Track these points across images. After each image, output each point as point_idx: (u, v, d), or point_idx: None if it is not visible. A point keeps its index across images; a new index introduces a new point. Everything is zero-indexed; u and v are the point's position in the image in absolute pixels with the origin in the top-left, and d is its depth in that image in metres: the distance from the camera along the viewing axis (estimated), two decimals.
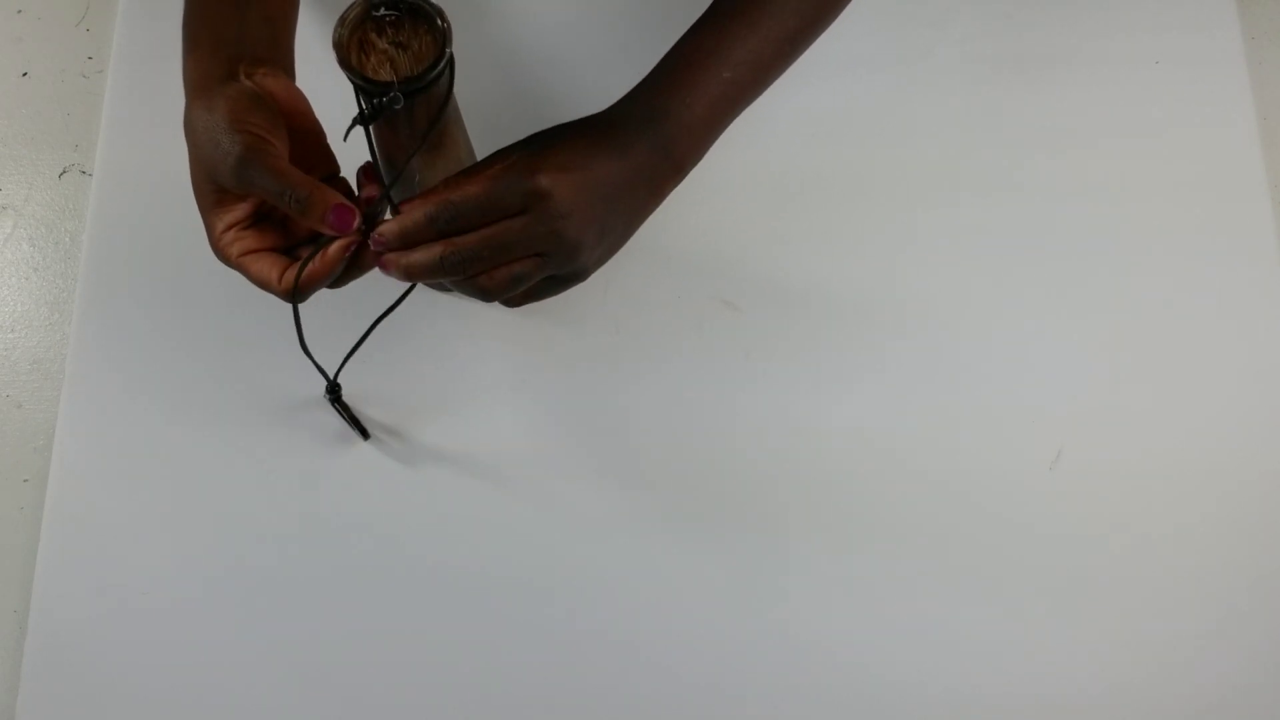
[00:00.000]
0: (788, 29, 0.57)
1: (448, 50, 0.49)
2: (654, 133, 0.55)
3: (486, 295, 0.54)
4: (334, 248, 0.50)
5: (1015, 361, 0.70)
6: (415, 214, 0.51)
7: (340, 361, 0.61)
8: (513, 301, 0.57)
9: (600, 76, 0.75)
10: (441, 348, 0.70)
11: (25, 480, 0.69)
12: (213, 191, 0.51)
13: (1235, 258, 0.72)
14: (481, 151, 0.62)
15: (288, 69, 0.55)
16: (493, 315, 0.71)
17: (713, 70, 0.56)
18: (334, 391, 0.63)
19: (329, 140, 0.54)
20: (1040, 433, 0.69)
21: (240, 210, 0.52)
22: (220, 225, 0.52)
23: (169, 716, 0.64)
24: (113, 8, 0.78)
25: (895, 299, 0.71)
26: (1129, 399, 0.69)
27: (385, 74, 0.50)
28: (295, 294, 0.51)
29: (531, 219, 0.51)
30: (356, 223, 0.49)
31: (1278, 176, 0.75)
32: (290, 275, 0.51)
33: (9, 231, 0.75)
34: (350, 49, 0.50)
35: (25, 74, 0.78)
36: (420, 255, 0.52)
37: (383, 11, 0.50)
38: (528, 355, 0.70)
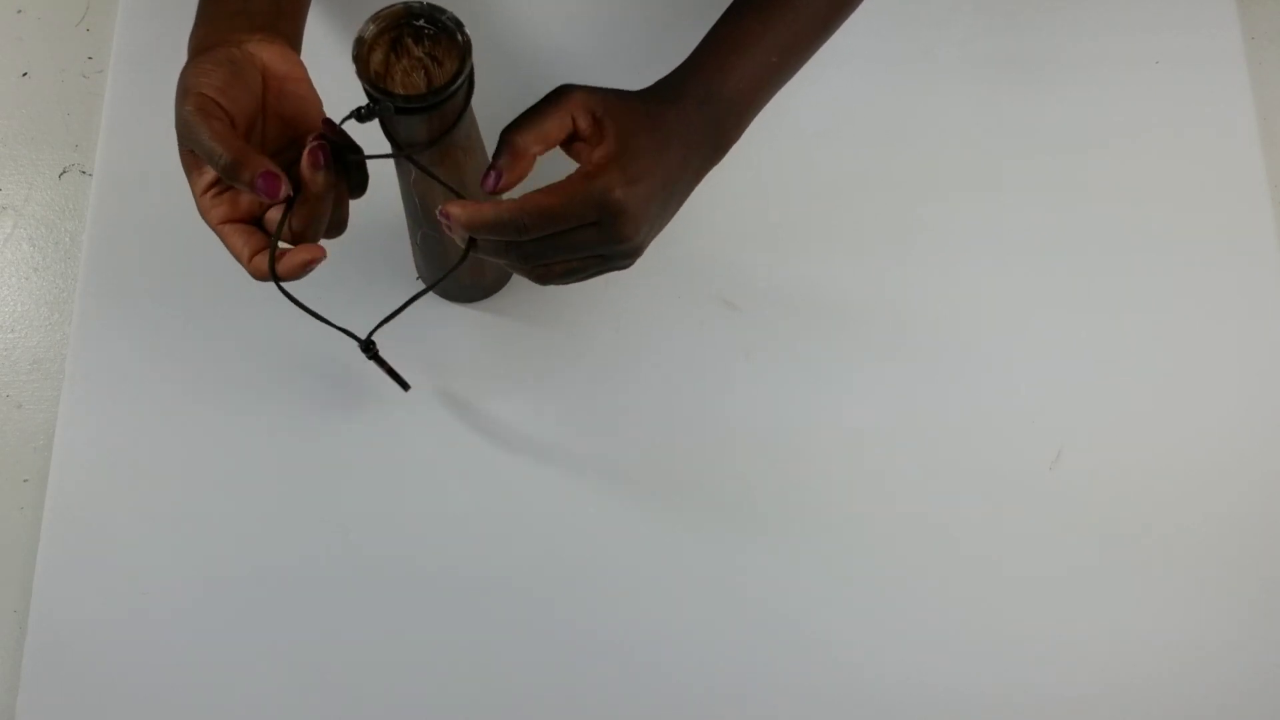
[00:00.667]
0: (823, 11, 0.58)
1: (459, 79, 0.49)
2: (708, 119, 0.55)
3: (540, 282, 0.55)
4: (296, 262, 0.50)
5: (1015, 361, 0.70)
6: (485, 213, 0.51)
7: (376, 323, 0.58)
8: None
9: (607, 72, 0.75)
10: (440, 347, 0.70)
11: (25, 480, 0.69)
12: (187, 153, 0.52)
13: (1235, 258, 0.72)
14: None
15: (289, 37, 0.55)
16: (492, 316, 0.71)
17: (759, 55, 0.56)
18: (369, 349, 0.59)
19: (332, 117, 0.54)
20: (1040, 433, 0.69)
21: (210, 173, 0.52)
22: (199, 188, 0.52)
23: (169, 716, 0.64)
24: (113, 8, 0.78)
25: (895, 299, 0.71)
26: (1129, 399, 0.69)
27: (416, 79, 0.50)
28: (274, 277, 0.51)
29: (601, 230, 0.52)
30: (283, 192, 0.48)
31: (1278, 176, 0.75)
32: (259, 262, 0.51)
33: (9, 231, 0.75)
34: (376, 47, 0.50)
35: (25, 74, 0.78)
36: (485, 243, 0.52)
37: (421, 23, 0.50)
38: (527, 354, 0.70)
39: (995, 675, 0.65)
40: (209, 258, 0.72)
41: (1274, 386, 0.70)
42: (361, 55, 0.50)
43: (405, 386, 0.63)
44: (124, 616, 0.65)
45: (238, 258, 0.51)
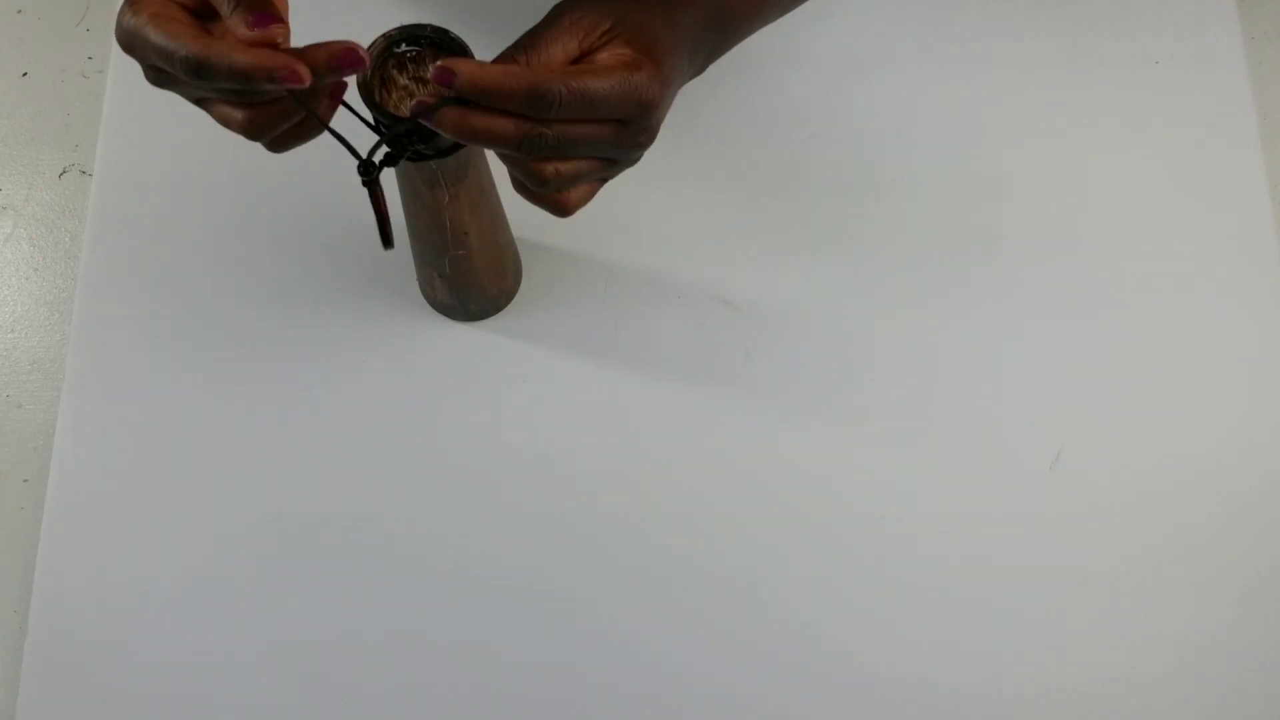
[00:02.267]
0: None
1: None
2: (707, 34, 0.51)
3: (542, 184, 0.47)
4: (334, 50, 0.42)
5: (1015, 361, 0.70)
6: (511, 82, 0.43)
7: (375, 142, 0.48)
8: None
9: None
10: (439, 346, 0.70)
11: (25, 480, 0.69)
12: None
13: (1235, 258, 0.72)
14: (501, 183, 0.62)
15: None
16: (492, 319, 0.71)
17: None
18: (369, 172, 0.48)
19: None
20: (1040, 433, 0.69)
21: None
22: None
23: (169, 717, 0.64)
24: (112, 8, 0.78)
25: (894, 298, 0.71)
26: (1129, 399, 0.69)
27: (405, 110, 0.49)
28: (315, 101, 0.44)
29: (628, 129, 0.47)
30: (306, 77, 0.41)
31: (1278, 176, 0.75)
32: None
33: (9, 231, 0.75)
34: (373, 87, 0.49)
35: (25, 74, 0.78)
36: (489, 125, 0.44)
37: (404, 48, 0.49)
38: (526, 355, 0.70)
39: (994, 675, 0.65)
40: (209, 258, 0.72)
41: (1274, 387, 0.70)
42: (373, 99, 0.49)
43: (389, 241, 0.50)
44: (124, 616, 0.65)
45: (169, 51, 0.43)
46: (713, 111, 0.75)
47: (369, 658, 0.65)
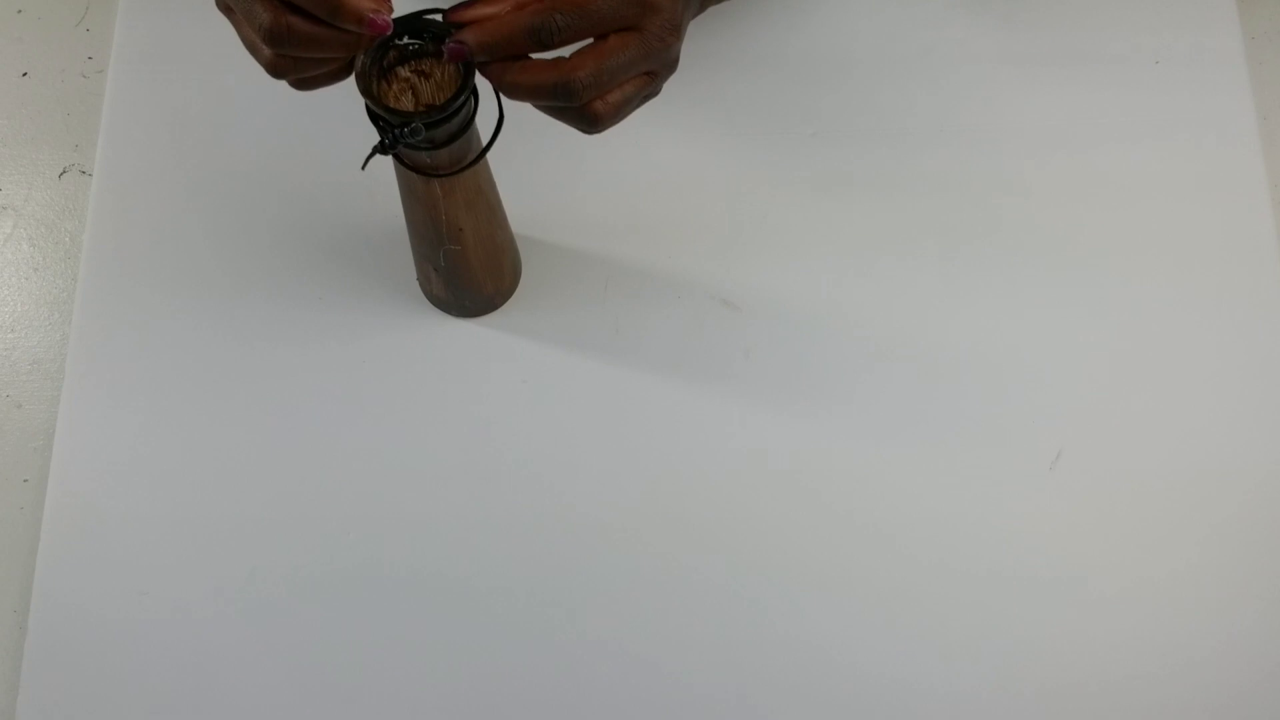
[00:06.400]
0: None
1: (471, 83, 0.49)
2: None
3: (595, 124, 0.49)
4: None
5: (1015, 362, 0.70)
6: (513, 23, 0.46)
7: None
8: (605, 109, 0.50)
9: None
10: (437, 342, 0.70)
11: (25, 480, 0.69)
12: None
13: (1235, 258, 0.72)
14: (502, 180, 0.62)
15: None
16: (493, 319, 0.71)
17: None
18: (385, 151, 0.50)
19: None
20: (1040, 433, 0.69)
21: None
22: None
23: (169, 716, 0.64)
24: (113, 8, 0.78)
25: (894, 298, 0.71)
26: (1129, 399, 0.69)
27: (406, 101, 0.50)
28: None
29: (646, 36, 0.48)
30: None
31: (1278, 176, 0.75)
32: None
33: (9, 231, 0.75)
34: (372, 76, 0.49)
35: (25, 74, 0.78)
36: (528, 78, 0.47)
37: (405, 40, 0.50)
38: (525, 352, 0.70)
39: (994, 676, 0.64)
40: (209, 256, 0.72)
41: (1274, 387, 0.70)
42: (370, 89, 0.49)
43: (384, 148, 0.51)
44: (124, 617, 0.65)
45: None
46: (713, 110, 0.75)
47: (367, 656, 0.65)
